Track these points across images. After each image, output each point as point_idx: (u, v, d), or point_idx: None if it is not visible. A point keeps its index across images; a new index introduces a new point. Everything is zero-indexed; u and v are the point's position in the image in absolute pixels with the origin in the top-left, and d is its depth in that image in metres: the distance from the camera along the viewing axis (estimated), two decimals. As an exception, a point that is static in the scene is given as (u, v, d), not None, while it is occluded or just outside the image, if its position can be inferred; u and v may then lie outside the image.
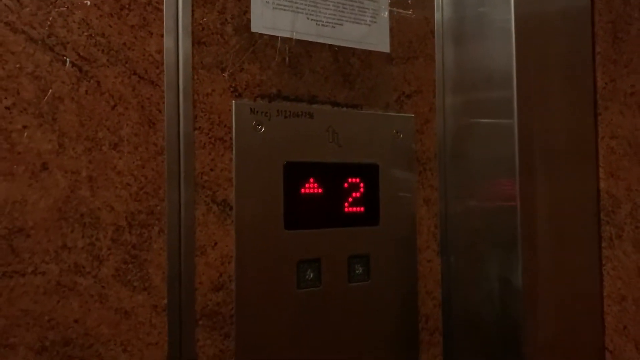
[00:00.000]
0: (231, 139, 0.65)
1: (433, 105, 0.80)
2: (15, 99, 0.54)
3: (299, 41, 0.70)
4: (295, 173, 0.68)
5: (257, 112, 0.66)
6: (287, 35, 0.69)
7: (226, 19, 0.65)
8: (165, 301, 0.61)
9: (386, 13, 0.76)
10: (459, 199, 0.80)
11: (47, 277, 0.55)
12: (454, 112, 0.80)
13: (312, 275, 0.69)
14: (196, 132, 0.63)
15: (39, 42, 0.56)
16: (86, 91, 0.58)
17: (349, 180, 0.72)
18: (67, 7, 0.57)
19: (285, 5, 0.69)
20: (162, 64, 0.61)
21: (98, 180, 0.58)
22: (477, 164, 0.77)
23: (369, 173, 0.74)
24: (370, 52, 0.75)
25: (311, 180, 0.69)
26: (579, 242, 0.79)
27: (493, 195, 0.75)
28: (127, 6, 0.60)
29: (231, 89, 0.65)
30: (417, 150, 0.78)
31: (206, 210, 0.63)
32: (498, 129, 0.74)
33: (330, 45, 0.72)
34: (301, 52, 0.70)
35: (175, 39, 0.62)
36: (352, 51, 0.74)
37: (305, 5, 0.70)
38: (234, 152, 0.65)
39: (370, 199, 0.74)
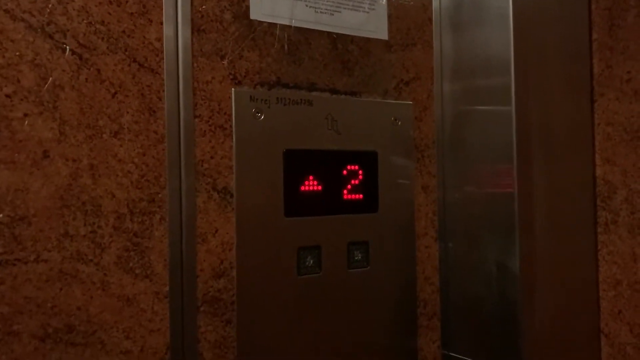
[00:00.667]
0: (231, 126, 0.65)
1: (431, 93, 0.80)
2: (16, 87, 0.54)
3: (297, 28, 0.70)
4: (295, 161, 0.69)
5: (257, 99, 0.66)
6: (286, 22, 0.69)
7: (225, 6, 0.65)
8: (167, 288, 0.61)
9: (384, 0, 0.76)
10: (457, 186, 0.80)
11: (50, 264, 0.55)
12: (452, 100, 0.81)
13: (312, 262, 0.70)
14: (196, 119, 0.63)
15: (39, 29, 0.55)
16: (86, 79, 0.58)
17: (348, 167, 0.72)
18: (67, -6, 0.57)
19: (284, -8, 0.69)
20: (162, 51, 0.61)
21: (99, 168, 0.58)
22: (475, 151, 0.78)
23: (368, 160, 0.74)
24: (368, 39, 0.75)
25: (311, 167, 0.70)
26: (575, 228, 0.80)
27: (491, 182, 0.76)
28: (126, -7, 0.60)
29: (231, 77, 0.65)
30: (415, 138, 0.79)
31: (207, 198, 0.64)
32: (496, 116, 0.75)
33: (329, 33, 0.72)
34: (300, 39, 0.70)
35: (175, 27, 0.62)
36: (351, 38, 0.74)
37: (304, -8, 0.70)
38: (234, 139, 0.65)
39: (370, 186, 0.74)
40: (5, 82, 0.54)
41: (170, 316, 0.61)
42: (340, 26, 0.73)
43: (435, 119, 0.81)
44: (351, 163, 0.73)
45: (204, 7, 0.64)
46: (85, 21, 0.58)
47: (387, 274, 0.76)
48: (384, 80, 0.76)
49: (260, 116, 0.67)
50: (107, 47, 0.59)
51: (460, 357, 0.80)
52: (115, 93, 0.59)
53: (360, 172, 0.73)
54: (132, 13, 0.60)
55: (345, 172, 0.72)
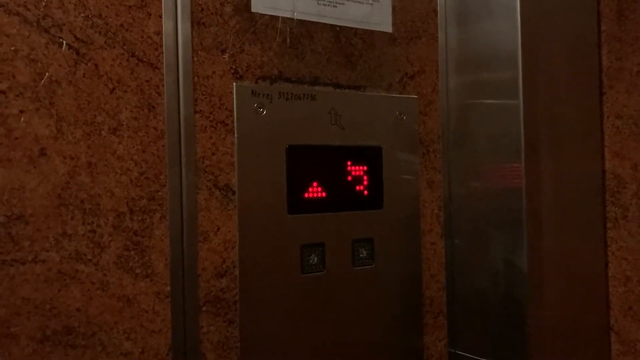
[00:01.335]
0: (232, 122, 0.63)
1: (436, 86, 0.79)
2: (11, 82, 0.53)
3: (300, 21, 0.68)
4: (298, 156, 0.67)
5: (259, 94, 0.65)
6: (288, 15, 0.67)
7: (226, -1, 0.63)
8: (168, 288, 0.60)
9: (388, -8, 0.74)
10: (463, 181, 0.79)
11: (48, 265, 0.54)
12: (458, 93, 0.79)
13: (316, 260, 0.68)
14: (197, 115, 0.61)
15: (34, 23, 0.54)
16: (84, 74, 0.56)
17: (352, 163, 0.71)
18: (63, -13, 0.55)
19: (285, -16, 0.67)
20: (161, 45, 0.60)
21: (98, 166, 0.56)
22: (482, 146, 0.76)
23: (373, 156, 0.73)
24: (372, 32, 0.73)
25: (314, 163, 0.68)
26: (584, 223, 0.78)
27: (498, 177, 0.74)
28: (124, -14, 0.58)
29: (232, 71, 0.64)
30: (420, 132, 0.77)
31: (208, 195, 0.62)
32: (503, 110, 0.73)
33: (332, 26, 0.70)
34: (302, 32, 0.68)
35: (174, 20, 0.60)
36: (354, 31, 0.72)
37: (306, -16, 0.68)
38: (235, 135, 0.63)
39: (374, 182, 0.72)
40: (0, 77, 0.52)
41: (172, 316, 0.60)
42: (344, 19, 0.71)
43: (441, 113, 0.79)
44: (355, 158, 0.71)
45: (203, -1, 0.62)
46: (82, 15, 0.56)
47: (393, 271, 0.74)
48: (388, 74, 0.75)
49: (263, 111, 0.65)
50: (105, 42, 0.57)
51: (467, 355, 0.79)
52: (114, 88, 0.57)
53: (365, 167, 0.72)
54: (130, 6, 0.58)
55: (349, 167, 0.71)
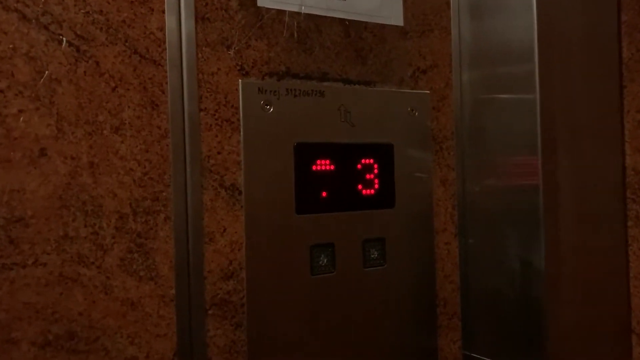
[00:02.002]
0: (239, 119, 0.62)
1: (449, 81, 0.76)
2: (10, 81, 0.51)
3: (308, 15, 0.66)
4: (307, 154, 0.65)
5: (266, 91, 0.63)
6: (296, 9, 0.65)
7: (231, -7, 0.61)
8: (173, 291, 0.58)
9: (399, -16, 0.72)
10: (478, 179, 0.76)
11: (49, 268, 0.53)
12: (472, 88, 0.77)
13: (325, 261, 0.67)
14: (202, 113, 0.60)
15: (33, 20, 0.52)
16: (85, 72, 0.54)
17: (363, 161, 0.69)
18: (62, -17, 0.54)
19: (292, -23, 0.65)
20: (164, 42, 0.58)
21: (100, 166, 0.55)
22: (497, 142, 0.74)
23: (384, 153, 0.70)
24: (383, 25, 0.71)
25: (323, 161, 0.66)
26: (603, 221, 0.75)
27: (514, 174, 0.72)
28: (125, -19, 0.56)
29: (238, 67, 0.62)
30: (433, 129, 0.75)
31: (214, 195, 0.60)
32: (519, 105, 0.71)
33: (341, 19, 0.68)
34: (310, 26, 0.66)
35: (178, 15, 0.59)
36: (364, 25, 0.70)
37: (314, -24, 0.66)
38: (241, 133, 0.62)
39: (385, 181, 0.70)
40: (-2, 76, 0.51)
41: (177, 320, 0.58)
42: (353, 12, 0.69)
43: (454, 108, 0.77)
44: (366, 156, 0.69)
45: (208, -6, 0.60)
46: (82, 11, 0.54)
47: (405, 272, 0.72)
48: (399, 69, 0.72)
49: (270, 108, 0.63)
50: (106, 38, 0.55)
51: (482, 357, 0.76)
52: (116, 87, 0.56)
53: (376, 165, 0.70)
54: (132, 2, 0.57)
55: (359, 165, 0.69)
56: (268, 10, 0.64)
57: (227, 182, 0.61)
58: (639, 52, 0.76)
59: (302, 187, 0.65)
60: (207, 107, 0.60)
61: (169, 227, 0.58)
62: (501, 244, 0.73)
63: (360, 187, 0.69)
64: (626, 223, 0.76)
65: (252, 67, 0.63)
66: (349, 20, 0.69)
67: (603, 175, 0.75)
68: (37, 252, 0.52)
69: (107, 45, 0.55)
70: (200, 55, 0.60)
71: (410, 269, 0.73)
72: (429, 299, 0.74)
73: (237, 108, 0.62)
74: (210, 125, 0.60)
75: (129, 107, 0.56)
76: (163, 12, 0.58)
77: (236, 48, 0.62)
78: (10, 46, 0.52)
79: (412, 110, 0.73)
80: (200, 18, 0.60)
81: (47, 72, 0.53)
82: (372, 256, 0.70)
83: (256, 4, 0.63)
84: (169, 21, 0.58)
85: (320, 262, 0.66)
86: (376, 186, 0.70)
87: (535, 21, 0.69)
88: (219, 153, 0.61)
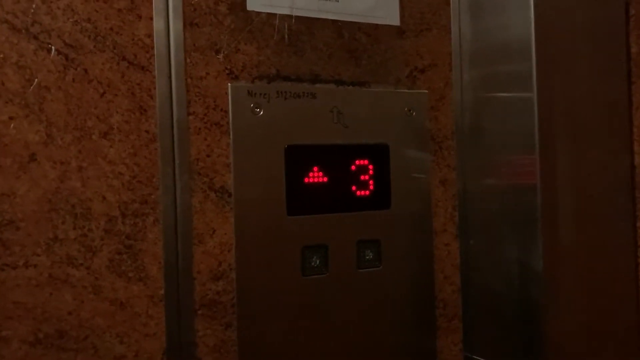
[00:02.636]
0: (228, 123, 0.63)
1: (449, 80, 0.75)
2: (0, 89, 0.53)
3: (299, 18, 0.66)
4: (298, 157, 0.66)
5: (255, 94, 0.64)
6: (286, 12, 0.65)
7: (219, -2, 0.62)
8: (162, 291, 0.60)
9: (395, -17, 0.72)
10: (478, 179, 0.75)
11: (39, 269, 0.55)
12: (473, 87, 0.75)
13: (318, 262, 0.67)
14: (190, 117, 0.61)
15: (23, 30, 0.54)
16: (73, 79, 0.56)
17: (357, 162, 0.69)
18: (50, -7, 0.55)
19: (283, -20, 0.65)
20: (152, 48, 0.59)
21: (88, 170, 0.57)
22: (497, 141, 0.73)
23: (379, 154, 0.70)
24: (378, 25, 0.71)
25: (315, 163, 0.67)
26: (610, 222, 0.73)
27: (513, 173, 0.71)
28: (113, -11, 0.58)
29: (227, 71, 0.63)
30: (431, 128, 0.74)
31: (203, 198, 0.61)
32: (517, 103, 0.69)
33: (334, 21, 0.68)
34: (302, 29, 0.67)
35: (166, 22, 0.60)
36: (358, 26, 0.70)
37: (305, -21, 0.66)
38: (231, 136, 0.63)
39: (381, 182, 0.70)
40: (-11, 85, 0.53)
41: (166, 320, 0.60)
42: (347, 13, 0.69)
43: (454, 108, 0.76)
44: (360, 157, 0.69)
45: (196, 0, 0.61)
46: (70, 20, 0.56)
47: (402, 273, 0.72)
48: (395, 69, 0.72)
49: (259, 111, 0.64)
50: (94, 46, 0.57)
51: (483, 360, 0.76)
52: (104, 93, 0.57)
53: (370, 166, 0.70)
54: (120, 9, 0.58)
55: (353, 167, 0.69)
56: (258, 14, 0.64)
57: (217, 185, 0.62)
58: (648, 47, 0.73)
59: (293, 188, 0.65)
60: (195, 111, 0.61)
61: (158, 229, 0.59)
62: (500, 245, 0.72)
63: (354, 188, 0.69)
64: (635, 223, 0.74)
65: (242, 70, 0.63)
66: (342, 22, 0.68)
67: (610, 175, 0.73)
68: (28, 253, 0.54)
69: (95, 53, 0.57)
70: (188, 60, 0.61)
71: (407, 270, 0.72)
72: (428, 301, 0.74)
73: (227, 111, 0.62)
74: (199, 129, 0.61)
75: (117, 112, 0.58)
76: (151, 18, 0.59)
77: (225, 52, 0.62)
78: (1, 56, 0.54)
79: (410, 110, 0.72)
80: (188, 24, 0.61)
81: (36, 80, 0.55)
82: (367, 257, 0.70)
83: (245, 8, 0.63)
84: (157, 27, 0.59)
85: (313, 263, 0.67)
86: (371, 187, 0.70)
87: (533, 17, 0.67)
88: (208, 156, 0.62)
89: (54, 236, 0.55)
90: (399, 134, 0.71)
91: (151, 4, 0.59)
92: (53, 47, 0.55)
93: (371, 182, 0.70)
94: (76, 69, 0.56)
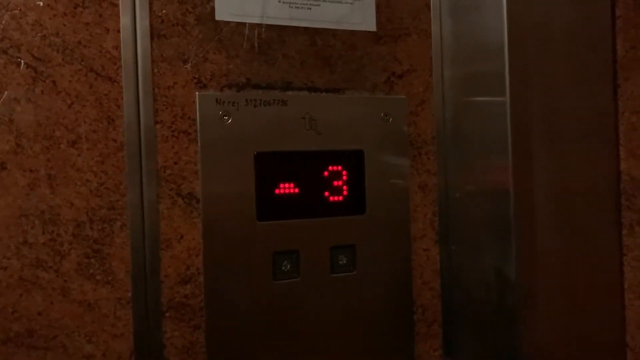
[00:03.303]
0: (196, 131, 0.64)
1: (429, 85, 0.75)
2: (-28, 102, 0.57)
3: (270, 26, 0.67)
4: (267, 163, 0.67)
5: (224, 102, 0.65)
6: (257, 21, 0.67)
7: (187, 9, 0.64)
8: (130, 294, 0.62)
9: (372, -11, 0.72)
10: (459, 184, 0.75)
11: (9, 271, 0.58)
12: (453, 91, 0.75)
13: (289, 267, 0.68)
14: (157, 125, 0.63)
15: (-7, 46, 0.57)
16: (42, 91, 0.59)
17: (330, 168, 0.69)
18: (20, 10, 0.58)
19: (253, -10, 0.66)
20: (120, 59, 0.62)
21: (57, 178, 0.59)
22: (475, 146, 0.72)
23: (353, 160, 0.71)
24: (353, 32, 0.71)
25: (285, 169, 0.68)
26: (593, 230, 0.71)
27: (488, 179, 0.70)
28: (81, 4, 0.60)
29: (195, 80, 0.64)
30: (410, 134, 0.74)
31: (171, 204, 0.63)
32: (491, 107, 0.69)
33: (307, 28, 0.69)
34: (273, 37, 0.68)
35: (133, 34, 0.62)
36: (333, 32, 0.70)
37: (276, -12, 0.67)
38: (199, 144, 0.64)
39: (355, 187, 0.71)
40: (-39, 98, 0.56)
41: (134, 321, 0.62)
42: (320, 20, 0.70)
43: (435, 113, 0.75)
44: (333, 163, 0.70)
45: (164, 11, 0.63)
46: (39, 34, 0.59)
47: (377, 278, 0.72)
48: (372, 75, 0.72)
49: (228, 119, 0.65)
50: (63, 59, 0.60)
51: (465, 366, 0.75)
52: (72, 103, 0.60)
53: (344, 172, 0.70)
54: (87, 23, 0.61)
55: (326, 173, 0.69)
56: (227, 23, 0.65)
57: (184, 191, 0.64)
58: (634, 49, 0.71)
59: (264, 194, 0.66)
60: (163, 119, 0.63)
61: (125, 234, 0.62)
62: (478, 252, 0.72)
63: (327, 194, 0.69)
64: (620, 231, 0.72)
65: (210, 79, 0.65)
66: (315, 29, 0.69)
67: (593, 181, 0.71)
68: (-2, 257, 0.58)
69: (63, 65, 0.60)
70: (155, 70, 0.63)
71: (383, 275, 0.72)
72: (406, 306, 0.74)
73: (195, 120, 0.64)
74: (167, 137, 0.63)
75: (85, 122, 0.60)
76: (118, 31, 0.61)
77: (193, 62, 0.64)
78: (-28, 70, 0.57)
79: (386, 115, 0.72)
80: (155, 35, 0.63)
81: (6, 92, 0.58)
82: (341, 262, 0.70)
83: (214, 17, 0.65)
84: (124, 40, 0.62)
85: (284, 268, 0.68)
86: (344, 193, 0.70)
87: (506, 17, 0.66)
88: (175, 163, 0.63)
89: (24, 240, 0.58)
90: (375, 139, 0.72)
91: (118, 17, 0.61)
92: (22, 61, 0.58)
93: (345, 187, 0.70)
94: (45, 81, 0.59)
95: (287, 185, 0.67)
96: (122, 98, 0.62)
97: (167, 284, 0.63)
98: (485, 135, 0.70)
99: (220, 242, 0.65)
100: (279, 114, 0.67)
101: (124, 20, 0.62)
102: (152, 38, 0.63)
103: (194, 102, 0.64)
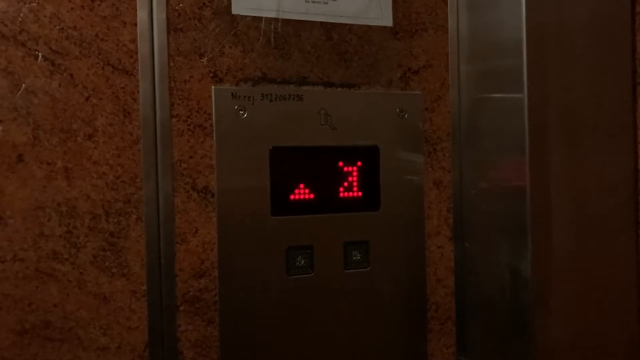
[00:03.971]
0: (211, 125, 0.64)
1: (445, 81, 0.74)
2: (-10, 94, 0.57)
3: (286, 20, 0.67)
4: (282, 158, 0.67)
5: (239, 96, 0.65)
6: (273, 15, 0.66)
7: (204, 3, 0.64)
8: (145, 287, 0.62)
9: (389, -16, 0.71)
10: (474, 181, 0.74)
11: (26, 263, 0.58)
12: (470, 87, 0.74)
13: (303, 262, 0.68)
14: (173, 119, 0.63)
15: (11, 38, 0.58)
16: (59, 84, 0.59)
17: (344, 163, 0.69)
18: (38, 3, 0.58)
19: (269, -16, 0.66)
20: (137, 53, 0.62)
21: (74, 171, 0.60)
22: (490, 143, 0.71)
23: (368, 156, 0.70)
24: (369, 27, 0.71)
25: (301, 165, 0.67)
26: (610, 229, 0.71)
27: (505, 176, 0.69)
28: (98, -3, 0.60)
29: (211, 74, 0.64)
30: (426, 130, 0.73)
31: (186, 198, 0.63)
32: (508, 104, 0.68)
33: (323, 23, 0.69)
34: (289, 31, 0.67)
35: (150, 27, 0.62)
36: (348, 27, 0.70)
37: (292, -18, 0.67)
38: (214, 138, 0.64)
39: (369, 183, 0.70)
40: (-21, 90, 0.57)
41: (149, 314, 0.62)
42: (336, 15, 0.69)
43: (451, 109, 0.75)
44: (348, 159, 0.69)
45: (181, 5, 0.63)
46: (57, 27, 0.59)
47: (391, 275, 0.72)
48: (387, 70, 0.72)
49: (244, 113, 0.65)
50: (80, 52, 0.60)
51: (478, 364, 0.75)
52: (89, 96, 0.60)
53: (359, 168, 0.70)
54: (105, 16, 0.61)
55: (340, 168, 0.69)
56: (243, 17, 0.65)
57: (200, 185, 0.64)
58: (654, 45, 0.70)
59: (278, 189, 0.66)
60: (179, 113, 0.63)
61: (141, 227, 0.62)
62: (493, 249, 0.71)
63: (341, 189, 0.69)
64: (637, 231, 0.71)
65: (226, 73, 0.65)
66: (331, 23, 0.69)
67: (610, 179, 0.70)
68: (15, 248, 0.58)
69: (80, 59, 0.60)
70: (172, 64, 0.63)
71: (397, 272, 0.72)
72: (418, 303, 0.73)
73: (210, 114, 0.64)
74: (182, 130, 0.63)
75: (101, 115, 0.60)
76: (135, 25, 0.62)
77: (209, 56, 0.64)
78: (-9, 63, 0.57)
79: (401, 111, 0.72)
80: (172, 29, 0.63)
81: (24, 85, 0.58)
82: (355, 258, 0.70)
83: (230, 12, 0.65)
84: (141, 33, 0.62)
85: (298, 263, 0.68)
86: (359, 189, 0.70)
87: (524, 13, 0.65)
88: (191, 157, 0.64)
89: (40, 232, 0.59)
90: (390, 135, 0.71)
91: (135, 11, 0.61)
92: (40, 54, 0.59)
93: (359, 183, 0.70)
94: (62, 74, 0.59)
95: (301, 180, 0.67)
96: (138, 92, 0.62)
97: (182, 278, 0.63)
98: (502, 132, 0.69)
99: (234, 236, 0.65)
100: (294, 108, 0.67)
101: (141, 14, 0.62)
102: (168, 32, 0.63)
103: (209, 96, 0.64)
